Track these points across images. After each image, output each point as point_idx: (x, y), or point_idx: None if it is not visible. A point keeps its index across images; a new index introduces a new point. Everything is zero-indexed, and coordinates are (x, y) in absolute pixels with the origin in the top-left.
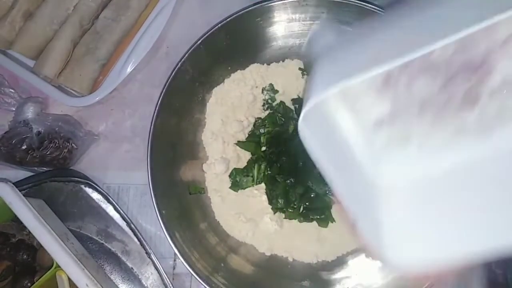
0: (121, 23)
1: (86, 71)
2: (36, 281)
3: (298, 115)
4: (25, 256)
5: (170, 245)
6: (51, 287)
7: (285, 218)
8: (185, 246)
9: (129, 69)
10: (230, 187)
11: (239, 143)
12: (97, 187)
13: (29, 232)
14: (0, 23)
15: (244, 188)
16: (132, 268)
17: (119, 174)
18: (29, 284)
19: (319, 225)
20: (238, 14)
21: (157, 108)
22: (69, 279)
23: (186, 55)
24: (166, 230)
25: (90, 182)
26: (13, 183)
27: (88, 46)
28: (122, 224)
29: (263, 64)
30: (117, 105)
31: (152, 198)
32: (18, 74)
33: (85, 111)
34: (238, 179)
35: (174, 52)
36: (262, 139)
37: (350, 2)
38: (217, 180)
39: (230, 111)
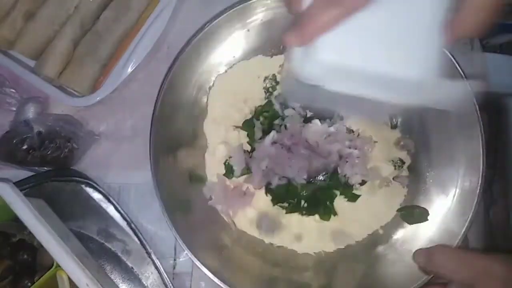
0: (121, 24)
1: (87, 71)
2: (36, 281)
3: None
4: (25, 256)
5: (176, 239)
6: (51, 287)
7: (286, 213)
8: (189, 238)
9: (129, 69)
10: (224, 174)
11: (238, 127)
12: (98, 187)
13: (30, 231)
14: (0, 23)
15: (237, 176)
16: (132, 267)
17: (120, 174)
18: (29, 283)
19: (321, 219)
20: (239, 6)
21: (159, 101)
22: (69, 278)
23: (186, 49)
24: (171, 222)
25: (91, 182)
26: (14, 183)
27: (89, 47)
28: (123, 223)
29: (267, 57)
30: (118, 105)
31: (157, 195)
32: (19, 74)
33: (86, 111)
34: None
35: (174, 52)
36: (262, 123)
37: None
38: (219, 166)
39: (232, 99)
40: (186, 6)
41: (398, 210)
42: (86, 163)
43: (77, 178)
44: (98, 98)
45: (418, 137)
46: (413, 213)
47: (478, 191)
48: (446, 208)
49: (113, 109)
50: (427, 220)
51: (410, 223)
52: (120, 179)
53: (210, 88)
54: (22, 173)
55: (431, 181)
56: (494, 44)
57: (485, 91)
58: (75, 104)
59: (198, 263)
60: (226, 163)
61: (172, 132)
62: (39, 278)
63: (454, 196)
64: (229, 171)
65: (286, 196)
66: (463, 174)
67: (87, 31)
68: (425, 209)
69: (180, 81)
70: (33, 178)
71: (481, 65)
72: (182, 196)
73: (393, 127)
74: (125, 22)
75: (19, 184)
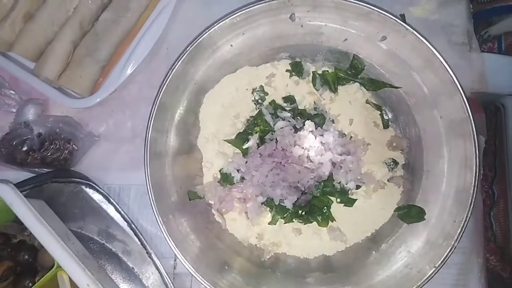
0: (121, 25)
1: (87, 72)
2: (37, 281)
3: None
4: (26, 257)
5: (171, 247)
6: (52, 287)
7: (284, 223)
8: (186, 248)
9: (129, 71)
10: (219, 181)
11: (228, 140)
12: (98, 188)
13: (30, 232)
14: (0, 24)
15: (232, 183)
16: (133, 268)
17: (119, 175)
18: (30, 284)
19: (319, 225)
20: (223, 20)
21: (154, 110)
22: (70, 279)
23: (182, 57)
24: (167, 233)
25: (91, 183)
26: (14, 184)
27: (88, 48)
28: (123, 224)
29: (253, 66)
30: (118, 106)
31: (152, 202)
32: (18, 76)
33: (85, 112)
34: (227, 173)
35: (174, 53)
36: (254, 137)
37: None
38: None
39: (223, 115)
40: (185, 7)
41: (395, 210)
42: (86, 164)
43: (77, 179)
44: (97, 100)
45: (411, 136)
46: (410, 212)
47: (472, 190)
48: (441, 208)
49: (113, 110)
50: (424, 219)
51: (408, 222)
52: (120, 180)
53: (201, 103)
54: (23, 175)
55: (426, 180)
56: (494, 34)
57: (484, 91)
58: (74, 106)
59: (192, 271)
60: (222, 171)
61: (168, 143)
62: (40, 279)
63: (449, 196)
64: (224, 179)
65: (281, 208)
66: (458, 173)
67: (87, 32)
68: (421, 208)
69: (168, 105)
70: (34, 179)
71: (479, 65)
72: (176, 200)
73: (385, 126)
74: (125, 23)
75: (20, 185)
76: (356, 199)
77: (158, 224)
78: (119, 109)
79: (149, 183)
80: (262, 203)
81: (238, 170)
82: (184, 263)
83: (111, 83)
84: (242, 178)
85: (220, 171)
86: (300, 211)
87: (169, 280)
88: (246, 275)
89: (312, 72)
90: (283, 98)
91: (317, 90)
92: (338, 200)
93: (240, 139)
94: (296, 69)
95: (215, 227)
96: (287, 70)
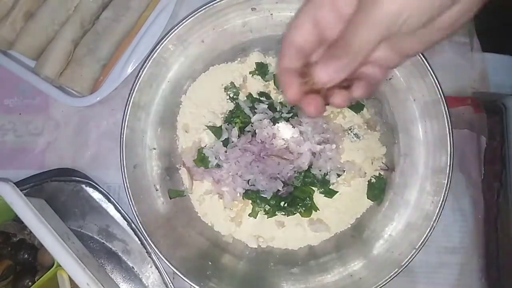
0: (121, 24)
1: (87, 71)
2: (37, 280)
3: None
4: (26, 256)
5: (155, 251)
6: (52, 287)
7: (268, 217)
8: (171, 249)
9: (129, 70)
10: (195, 160)
11: (209, 127)
12: (98, 187)
13: (30, 231)
14: (1, 23)
15: (207, 167)
16: (132, 267)
17: (119, 174)
18: (30, 283)
19: (302, 216)
20: (190, 18)
21: (127, 109)
22: (70, 278)
23: (152, 56)
24: (149, 237)
25: (91, 182)
26: (14, 183)
27: (89, 47)
28: (123, 223)
29: (223, 64)
30: (118, 105)
31: (132, 206)
32: (19, 75)
33: (86, 111)
34: (205, 155)
35: None
36: (234, 129)
37: None
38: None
39: (202, 114)
40: (186, 7)
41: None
42: (86, 163)
43: (77, 178)
44: (98, 98)
45: (386, 121)
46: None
47: (448, 170)
48: (420, 190)
49: (113, 109)
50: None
51: (373, 200)
52: (120, 179)
53: (177, 105)
54: (23, 173)
55: (404, 163)
56: None
57: (486, 91)
58: (75, 104)
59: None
60: (200, 151)
61: (144, 142)
62: (40, 278)
63: (426, 177)
64: (200, 159)
65: (261, 200)
66: (433, 154)
67: (87, 31)
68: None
69: (142, 104)
70: (34, 178)
71: (481, 65)
72: (160, 207)
73: (360, 109)
74: (125, 22)
75: (20, 184)
76: (337, 191)
77: (139, 228)
78: (120, 108)
79: (127, 185)
80: (241, 196)
81: (216, 157)
82: (170, 267)
83: (111, 82)
84: (218, 165)
85: (199, 149)
86: (282, 203)
87: (169, 280)
88: (231, 271)
89: (273, 74)
90: (259, 93)
91: (281, 91)
92: (320, 190)
93: (220, 129)
94: (261, 70)
95: (197, 224)
96: (250, 72)
